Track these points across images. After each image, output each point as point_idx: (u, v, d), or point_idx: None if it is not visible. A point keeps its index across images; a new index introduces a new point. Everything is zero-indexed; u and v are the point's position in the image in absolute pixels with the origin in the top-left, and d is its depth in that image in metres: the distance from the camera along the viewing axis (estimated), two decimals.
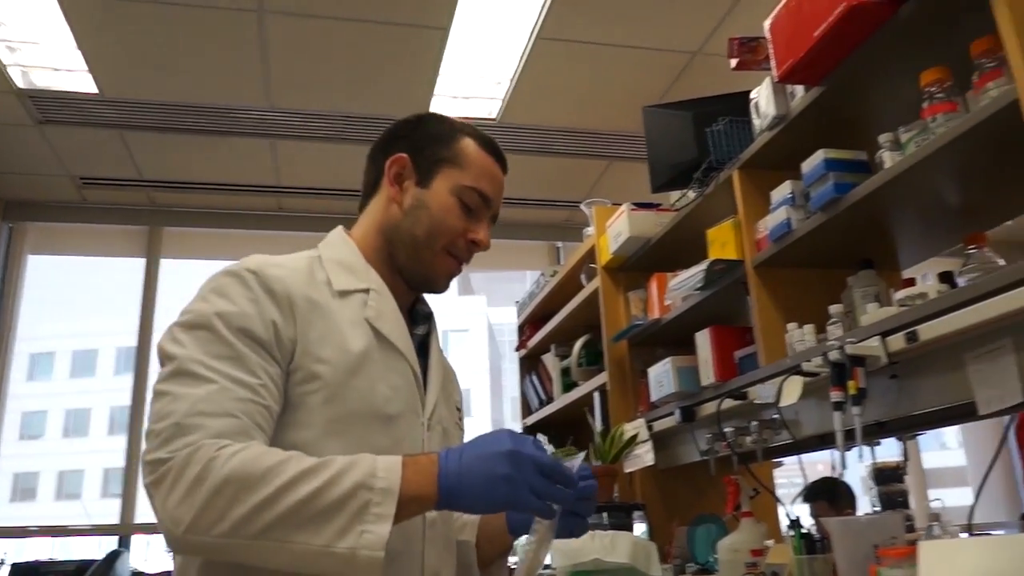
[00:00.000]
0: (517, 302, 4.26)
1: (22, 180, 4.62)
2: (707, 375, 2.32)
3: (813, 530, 1.87)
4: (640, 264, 2.89)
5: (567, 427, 3.45)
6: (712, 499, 2.60)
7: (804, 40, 1.75)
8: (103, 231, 5.08)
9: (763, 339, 2.07)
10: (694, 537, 2.48)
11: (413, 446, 1.14)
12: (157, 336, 4.99)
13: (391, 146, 1.28)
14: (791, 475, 2.19)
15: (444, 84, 3.87)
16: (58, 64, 3.62)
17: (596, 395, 3.05)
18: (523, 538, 1.12)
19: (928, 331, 1.49)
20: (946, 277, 1.65)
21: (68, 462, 22.49)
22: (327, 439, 1.06)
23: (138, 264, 5.02)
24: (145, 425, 1.01)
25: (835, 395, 1.61)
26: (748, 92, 2.18)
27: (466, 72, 3.81)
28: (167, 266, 5.09)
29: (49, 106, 3.90)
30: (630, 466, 2.68)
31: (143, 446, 0.99)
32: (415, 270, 1.25)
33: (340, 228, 1.30)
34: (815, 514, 3.39)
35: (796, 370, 1.79)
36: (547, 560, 2.34)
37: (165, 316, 5.10)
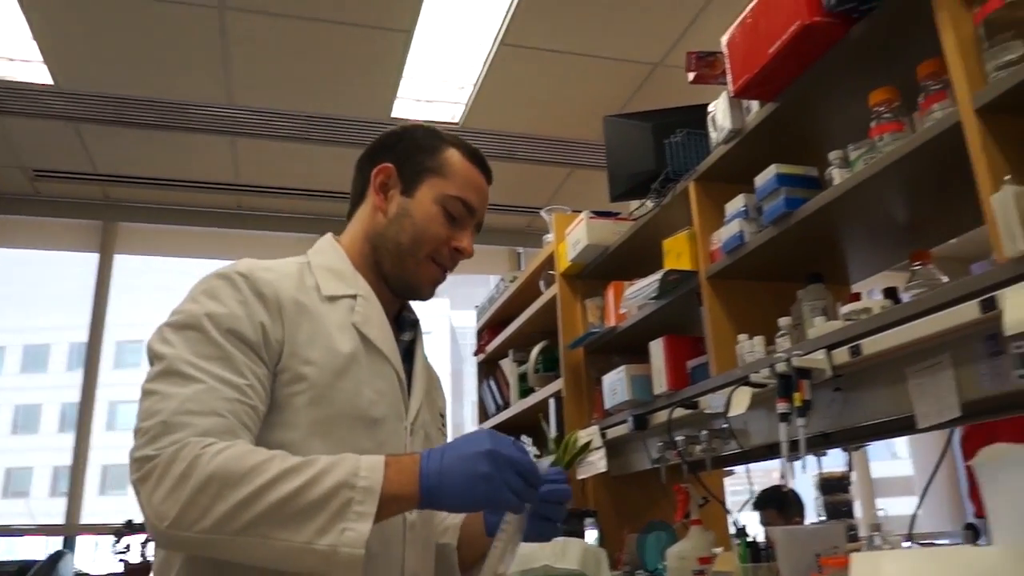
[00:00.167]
0: (477, 306, 4.26)
1: None
2: (660, 384, 2.34)
3: (763, 538, 1.90)
4: (598, 272, 2.91)
5: (522, 433, 3.44)
6: (663, 507, 2.62)
7: (759, 57, 1.78)
8: (55, 225, 4.98)
9: (715, 349, 2.09)
10: (644, 544, 2.50)
11: (396, 449, 1.16)
12: (109, 332, 4.92)
13: (377, 156, 1.32)
14: (745, 483, 2.23)
15: (407, 87, 3.86)
16: (12, 54, 3.55)
17: (552, 401, 3.06)
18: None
19: (871, 345, 1.52)
20: (890, 293, 1.69)
21: (16, 459, 21.96)
22: (311, 440, 1.08)
23: (91, 259, 4.93)
24: (134, 423, 1.03)
25: (781, 406, 1.64)
26: (706, 105, 2.21)
27: (429, 76, 3.81)
28: (121, 262, 5.01)
29: (2, 96, 3.82)
30: (583, 473, 2.70)
31: (132, 443, 1.01)
32: (400, 277, 1.27)
33: (330, 235, 1.34)
34: (764, 522, 3.45)
35: (745, 381, 1.82)
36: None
37: (118, 312, 5.01)
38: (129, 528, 3.79)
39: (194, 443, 0.96)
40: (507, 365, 3.75)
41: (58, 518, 4.48)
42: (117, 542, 3.71)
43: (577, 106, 4.03)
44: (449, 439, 1.27)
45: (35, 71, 3.64)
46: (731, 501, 2.76)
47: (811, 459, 2.22)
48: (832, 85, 1.78)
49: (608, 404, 2.59)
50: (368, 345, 1.19)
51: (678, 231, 2.31)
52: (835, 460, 2.30)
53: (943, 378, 1.41)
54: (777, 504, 3.39)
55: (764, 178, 1.91)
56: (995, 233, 1.28)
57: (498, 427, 3.75)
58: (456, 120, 4.12)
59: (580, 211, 2.94)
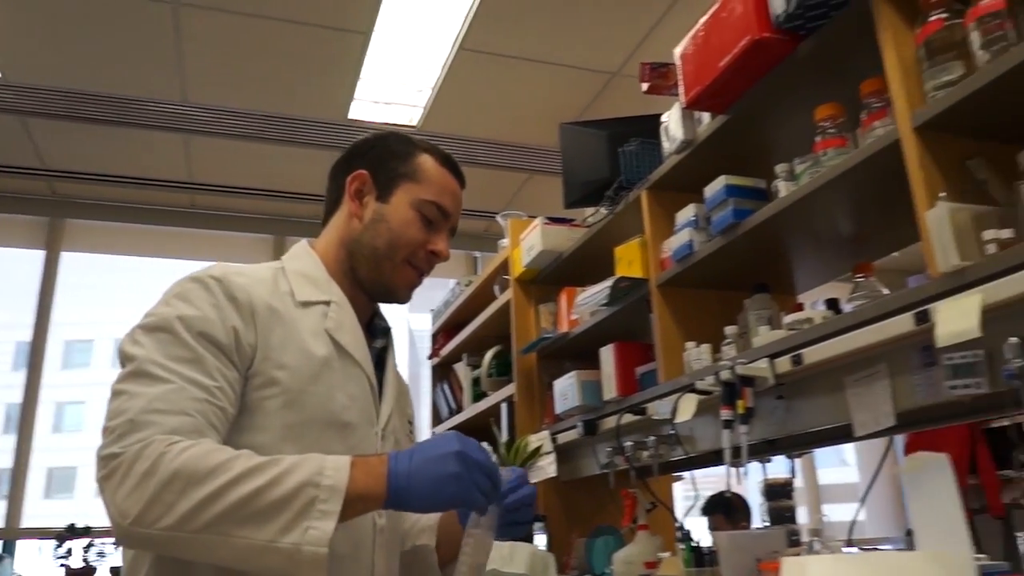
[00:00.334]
0: (432, 310, 4.25)
1: None
2: (609, 390, 2.36)
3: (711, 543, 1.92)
4: (552, 277, 2.93)
5: (475, 437, 3.44)
6: (612, 512, 2.64)
7: (710, 70, 1.82)
8: (0, 220, 4.85)
9: (663, 356, 2.12)
10: (592, 549, 2.52)
11: (367, 453, 1.16)
12: (54, 331, 4.80)
13: (351, 163, 1.34)
14: (707, 488, 2.27)
15: (365, 89, 3.85)
16: None
17: (504, 406, 3.07)
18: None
19: (812, 355, 1.56)
20: (832, 304, 1.73)
21: None
22: (283, 444, 1.09)
23: (37, 256, 4.81)
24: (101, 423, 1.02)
25: (725, 413, 1.67)
26: (660, 115, 2.24)
27: (387, 78, 3.80)
28: (68, 260, 4.90)
29: None
30: (533, 477, 2.71)
31: (99, 443, 1.01)
32: (376, 281, 1.29)
33: (304, 241, 1.35)
34: (712, 527, 3.50)
35: (691, 388, 1.85)
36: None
37: (65, 311, 4.90)
38: (71, 532, 3.71)
39: (159, 441, 0.96)
40: (461, 369, 3.75)
41: None
42: (59, 546, 3.63)
43: (535, 112, 4.05)
44: None
45: None
46: (680, 506, 2.80)
47: (757, 465, 2.27)
48: (780, 99, 1.82)
49: (559, 409, 2.61)
50: (341, 351, 1.20)
51: (630, 239, 2.34)
52: (782, 468, 2.35)
53: (879, 388, 1.45)
54: (724, 510, 3.44)
55: (713, 188, 1.94)
56: (929, 248, 1.32)
57: (451, 431, 3.74)
58: (414, 123, 4.11)
59: (536, 217, 2.96)
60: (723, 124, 1.94)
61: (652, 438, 2.16)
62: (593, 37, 3.50)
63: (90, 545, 3.64)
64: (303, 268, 1.28)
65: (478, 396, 3.46)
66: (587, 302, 2.41)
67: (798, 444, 1.99)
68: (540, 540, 2.68)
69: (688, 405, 1.86)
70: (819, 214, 1.79)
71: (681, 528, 1.99)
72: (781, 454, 2.11)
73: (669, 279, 2.14)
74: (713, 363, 1.91)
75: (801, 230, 1.89)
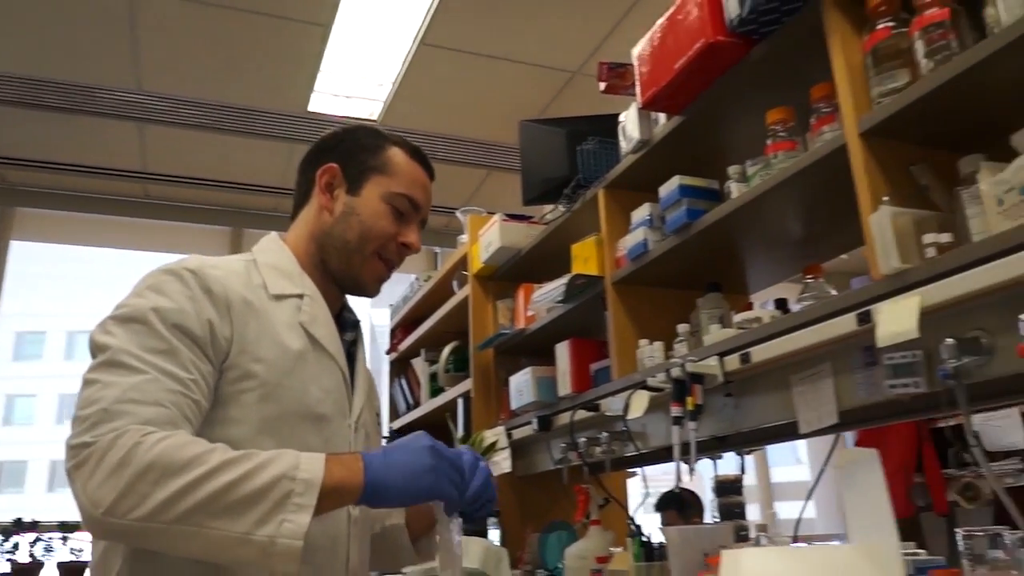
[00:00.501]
0: (391, 305, 4.24)
1: None
2: (564, 386, 2.38)
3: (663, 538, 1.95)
4: (510, 274, 2.94)
5: (431, 432, 3.45)
6: (566, 507, 2.67)
7: (666, 71, 1.84)
8: None
9: (617, 353, 2.15)
10: (546, 543, 2.54)
11: (341, 446, 1.20)
12: (4, 322, 4.73)
13: (321, 157, 1.35)
14: (654, 485, 2.29)
15: (325, 81, 3.82)
16: None
17: (460, 401, 3.08)
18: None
19: (759, 353, 1.59)
20: (781, 303, 1.77)
21: None
22: (259, 437, 1.10)
23: None
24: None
25: (675, 410, 1.69)
26: (618, 115, 2.26)
27: (348, 71, 3.77)
28: (18, 249, 4.78)
29: None
30: None
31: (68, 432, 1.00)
32: (346, 274, 1.31)
33: (274, 234, 1.36)
34: (665, 523, 3.55)
35: (643, 385, 1.87)
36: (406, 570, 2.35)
37: (13, 301, 4.78)
38: (18, 527, 3.63)
39: (134, 431, 0.96)
40: (419, 364, 3.75)
41: None
42: (5, 541, 3.55)
43: (496, 109, 4.05)
44: None
45: None
46: (635, 502, 2.83)
47: (708, 462, 2.31)
48: (734, 102, 1.85)
49: (515, 405, 2.62)
50: (315, 344, 1.21)
51: (587, 236, 2.36)
52: (736, 464, 2.39)
53: (823, 386, 1.49)
54: (677, 506, 3.49)
55: (668, 188, 1.96)
56: (872, 251, 1.35)
57: (408, 426, 3.74)
58: (374, 117, 4.09)
59: (495, 213, 2.97)
60: (678, 125, 1.97)
61: (605, 434, 2.18)
62: (554, 35, 3.51)
63: (37, 540, 3.57)
64: (275, 261, 1.28)
65: (435, 391, 3.46)
66: (543, 299, 2.42)
67: (747, 441, 2.03)
68: (494, 535, 2.70)
69: (640, 402, 1.88)
70: (770, 216, 1.82)
71: (632, 523, 2.01)
72: (731, 451, 2.15)
73: (624, 277, 2.16)
74: (665, 360, 1.93)
75: (753, 231, 1.93)
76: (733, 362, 1.66)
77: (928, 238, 1.29)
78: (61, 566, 3.55)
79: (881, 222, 1.32)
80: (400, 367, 4.03)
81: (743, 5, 1.62)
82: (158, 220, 4.98)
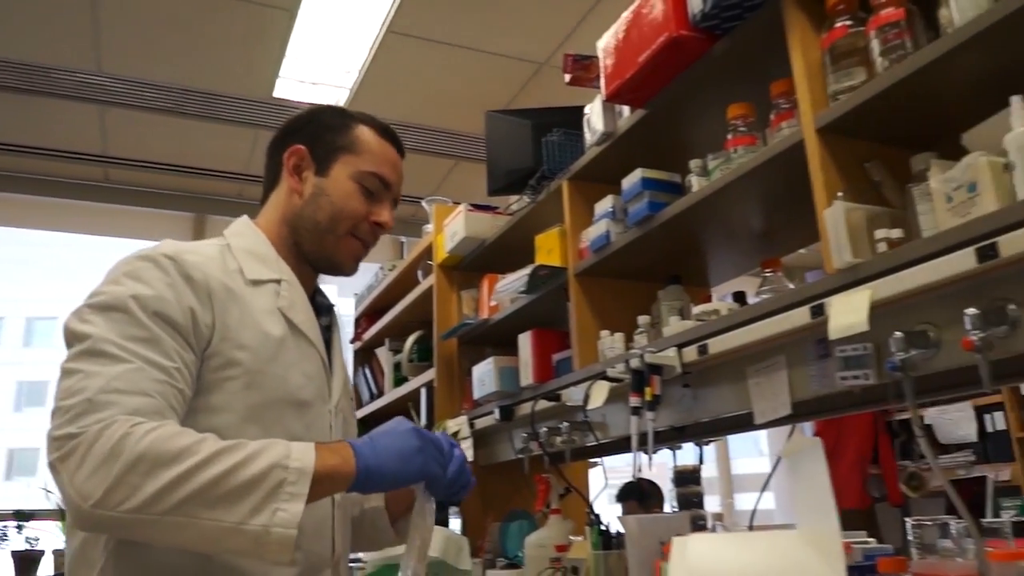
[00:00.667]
0: (356, 294, 4.22)
1: None
2: (526, 376, 2.39)
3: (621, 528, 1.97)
4: (474, 264, 2.94)
5: None
6: (527, 496, 2.69)
7: (630, 64, 1.85)
8: None
9: (578, 344, 2.16)
10: (506, 532, 2.56)
11: (322, 431, 1.20)
12: None
13: (287, 139, 1.33)
14: (616, 474, 2.32)
15: (291, 67, 3.78)
16: None
17: (423, 391, 3.08)
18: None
19: (717, 345, 1.61)
20: (739, 296, 1.79)
21: None
22: (244, 425, 1.09)
23: None
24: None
25: (633, 400, 1.71)
26: (583, 107, 2.27)
27: (314, 57, 3.74)
28: None
29: None
30: None
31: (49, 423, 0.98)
32: (321, 255, 1.30)
33: (246, 217, 1.34)
34: (627, 513, 3.58)
35: (603, 375, 1.89)
36: (362, 555, 2.35)
37: None
38: None
39: (122, 421, 0.94)
40: (383, 354, 3.74)
41: None
42: None
43: (463, 99, 4.05)
44: None
45: None
46: (605, 493, 2.86)
47: (668, 453, 2.34)
48: (696, 96, 1.87)
49: (477, 395, 2.63)
50: (294, 330, 1.21)
51: (551, 228, 2.37)
52: (706, 454, 2.42)
53: (778, 378, 1.51)
54: (638, 496, 3.53)
55: (630, 181, 1.98)
56: (826, 245, 1.38)
57: (372, 415, 3.73)
58: (341, 104, 4.06)
59: (462, 203, 2.96)
60: (642, 118, 1.98)
61: (566, 424, 2.20)
62: (522, 26, 3.51)
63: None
64: (250, 246, 1.27)
65: (399, 381, 3.46)
66: (506, 289, 2.43)
67: (705, 431, 2.06)
68: (455, 524, 2.70)
69: (599, 392, 1.90)
70: (729, 209, 1.84)
71: (591, 512, 2.03)
72: (689, 441, 2.17)
73: (586, 268, 2.17)
74: (625, 352, 1.95)
75: (713, 224, 1.95)
76: (691, 353, 1.68)
77: (880, 233, 1.32)
78: (16, 555, 3.50)
79: (835, 217, 1.35)
80: (364, 356, 4.01)
81: (706, 1, 1.64)
82: (119, 205, 4.90)
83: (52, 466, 0.95)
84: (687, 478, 2.49)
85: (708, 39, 1.72)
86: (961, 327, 1.14)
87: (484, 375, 2.57)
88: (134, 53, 3.64)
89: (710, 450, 5.88)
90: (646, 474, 2.11)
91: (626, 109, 2.07)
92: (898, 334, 1.23)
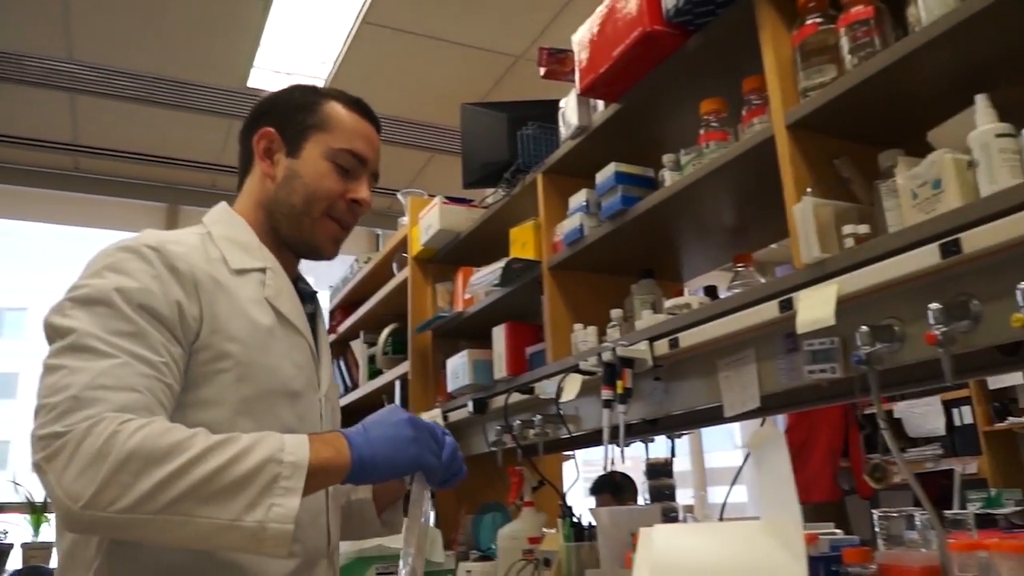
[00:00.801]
0: (330, 287, 4.20)
1: None
2: (500, 369, 2.40)
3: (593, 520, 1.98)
4: (449, 257, 2.94)
5: (369, 414, 3.44)
6: (500, 489, 2.69)
7: (604, 58, 1.86)
8: None
9: (552, 337, 2.17)
10: (480, 525, 2.56)
11: (314, 420, 1.19)
12: None
13: (257, 122, 1.29)
14: (592, 467, 2.34)
15: (265, 57, 3.75)
16: None
17: (398, 383, 3.07)
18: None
19: (688, 338, 1.63)
20: (710, 291, 1.81)
21: None
22: (237, 418, 1.07)
23: None
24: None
25: (605, 393, 1.72)
26: (559, 101, 2.28)
27: (289, 47, 3.71)
28: None
29: None
30: None
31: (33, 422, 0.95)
32: (299, 239, 1.27)
33: (224, 204, 1.30)
34: (600, 506, 3.60)
35: (576, 368, 1.90)
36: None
37: None
38: None
39: (110, 418, 0.92)
40: (358, 347, 3.73)
41: None
42: None
43: (440, 92, 4.04)
44: None
45: None
46: (578, 486, 2.88)
47: (641, 446, 2.35)
48: (670, 91, 1.88)
49: (451, 387, 2.63)
50: (282, 319, 1.19)
51: (526, 221, 2.37)
52: (680, 448, 2.43)
53: (747, 371, 1.53)
54: (611, 489, 3.55)
55: (604, 175, 1.99)
56: (795, 240, 1.40)
57: (346, 408, 3.72)
58: None
59: (437, 196, 2.96)
60: (616, 112, 1.99)
61: (539, 417, 2.20)
62: (499, 19, 3.51)
63: None
64: (231, 234, 1.23)
65: (374, 373, 3.45)
66: (480, 282, 2.43)
67: (676, 425, 2.08)
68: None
69: (572, 385, 1.91)
70: (702, 204, 1.86)
71: (563, 504, 2.05)
72: (661, 434, 2.19)
73: (560, 262, 2.18)
74: (598, 345, 1.96)
75: (686, 219, 1.96)
76: (662, 347, 1.69)
77: (847, 229, 1.33)
78: None
79: (804, 212, 1.36)
80: (339, 349, 3.99)
81: None
82: (90, 194, 4.84)
83: (38, 466, 0.92)
84: (659, 471, 2.51)
85: (682, 34, 1.73)
86: (925, 322, 1.16)
87: (458, 368, 2.57)
88: (105, 40, 3.59)
89: (684, 443, 5.91)
90: (619, 467, 2.12)
91: (600, 103, 2.07)
92: (864, 328, 1.25)
